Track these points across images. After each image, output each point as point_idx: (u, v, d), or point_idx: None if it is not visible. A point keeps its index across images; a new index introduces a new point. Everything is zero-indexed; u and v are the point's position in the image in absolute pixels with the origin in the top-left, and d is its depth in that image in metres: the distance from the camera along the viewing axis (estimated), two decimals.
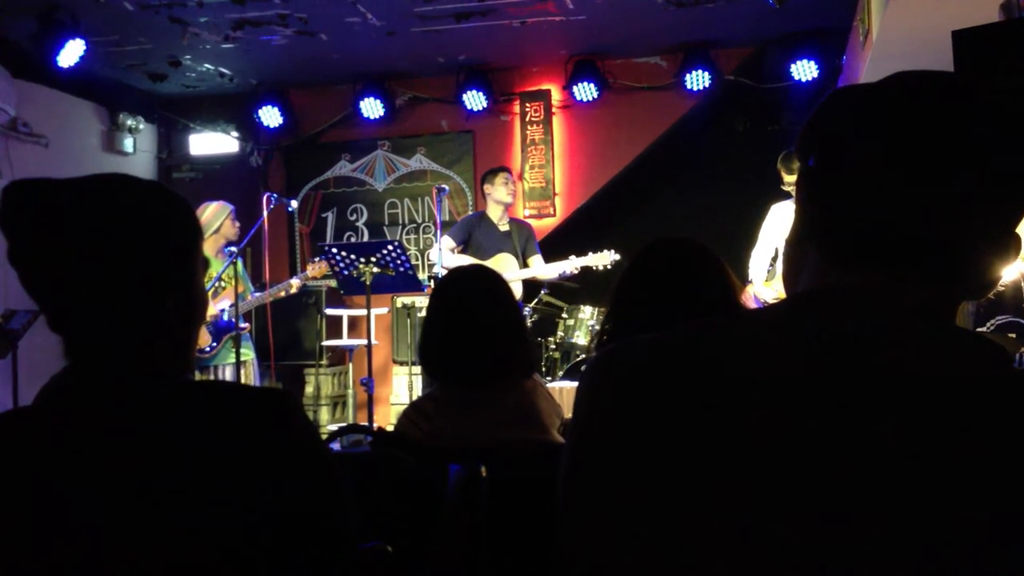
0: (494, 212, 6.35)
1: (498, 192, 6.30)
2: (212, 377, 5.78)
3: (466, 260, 5.94)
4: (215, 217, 5.82)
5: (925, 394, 0.82)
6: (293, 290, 6.03)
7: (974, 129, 0.88)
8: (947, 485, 0.78)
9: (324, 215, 8.10)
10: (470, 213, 7.11)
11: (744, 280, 5.48)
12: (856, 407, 0.82)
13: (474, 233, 6.33)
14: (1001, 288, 3.41)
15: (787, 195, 5.34)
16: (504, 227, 6.35)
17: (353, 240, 7.92)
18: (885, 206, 0.88)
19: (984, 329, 3.55)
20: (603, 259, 6.14)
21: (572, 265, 6.16)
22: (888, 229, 0.89)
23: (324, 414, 7.30)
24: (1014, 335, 3.46)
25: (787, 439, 0.82)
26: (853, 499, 0.78)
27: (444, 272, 5.81)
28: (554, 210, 7.69)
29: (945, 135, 0.88)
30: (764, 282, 5.55)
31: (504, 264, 6.11)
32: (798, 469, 0.81)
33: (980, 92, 0.91)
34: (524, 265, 6.35)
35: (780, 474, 0.81)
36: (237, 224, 5.85)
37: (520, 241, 6.33)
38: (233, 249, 5.69)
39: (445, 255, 6.08)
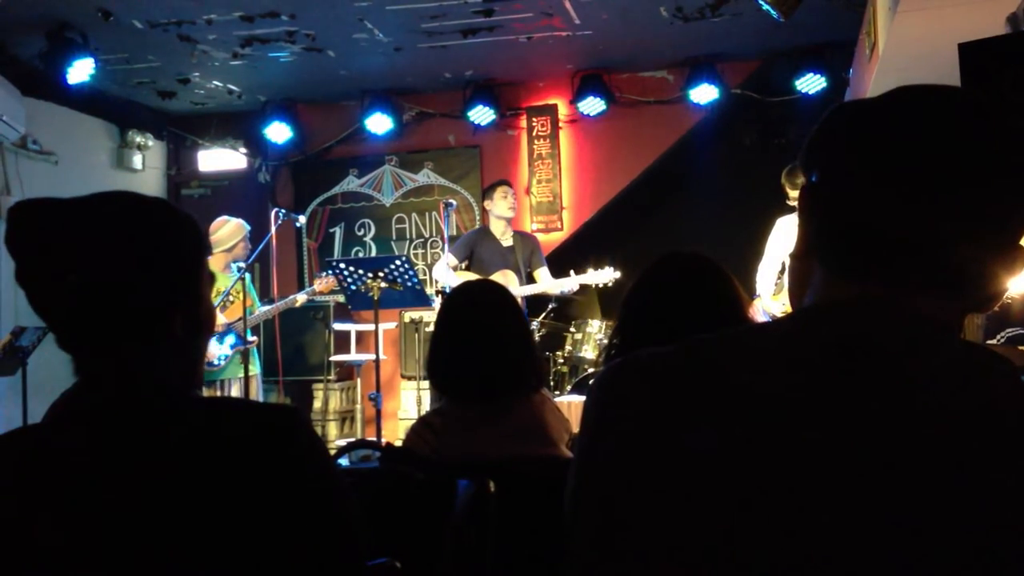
0: (496, 227, 6.35)
1: (498, 207, 6.29)
2: (219, 392, 5.80)
3: (466, 278, 5.93)
4: (231, 236, 5.85)
5: (933, 406, 0.82)
6: (298, 304, 6.04)
7: (973, 141, 0.88)
8: (954, 498, 0.77)
9: (332, 230, 8.12)
10: (471, 229, 7.11)
11: (752, 294, 5.47)
12: (863, 420, 0.82)
13: (476, 249, 6.32)
14: (1008, 300, 3.40)
15: (793, 209, 5.33)
16: (507, 242, 6.33)
17: (361, 255, 7.93)
18: (885, 220, 0.88)
19: (994, 341, 3.54)
20: (603, 277, 6.13)
21: (572, 283, 6.15)
22: (889, 242, 0.89)
23: (332, 429, 7.30)
24: None
25: (794, 452, 0.82)
26: (860, 511, 0.78)
27: (448, 288, 5.82)
28: (561, 224, 7.69)
29: (944, 149, 0.88)
30: (772, 296, 5.54)
31: (505, 281, 6.09)
32: (805, 482, 0.80)
33: (980, 105, 0.91)
34: (530, 277, 6.34)
35: (788, 487, 0.81)
36: (249, 247, 5.87)
37: (524, 254, 6.32)
38: (241, 264, 5.71)
39: (444, 273, 6.09)
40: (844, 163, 0.93)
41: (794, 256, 1.00)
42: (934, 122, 0.89)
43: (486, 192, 6.46)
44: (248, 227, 5.94)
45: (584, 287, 6.20)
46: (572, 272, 6.19)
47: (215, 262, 5.74)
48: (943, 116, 0.90)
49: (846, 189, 0.92)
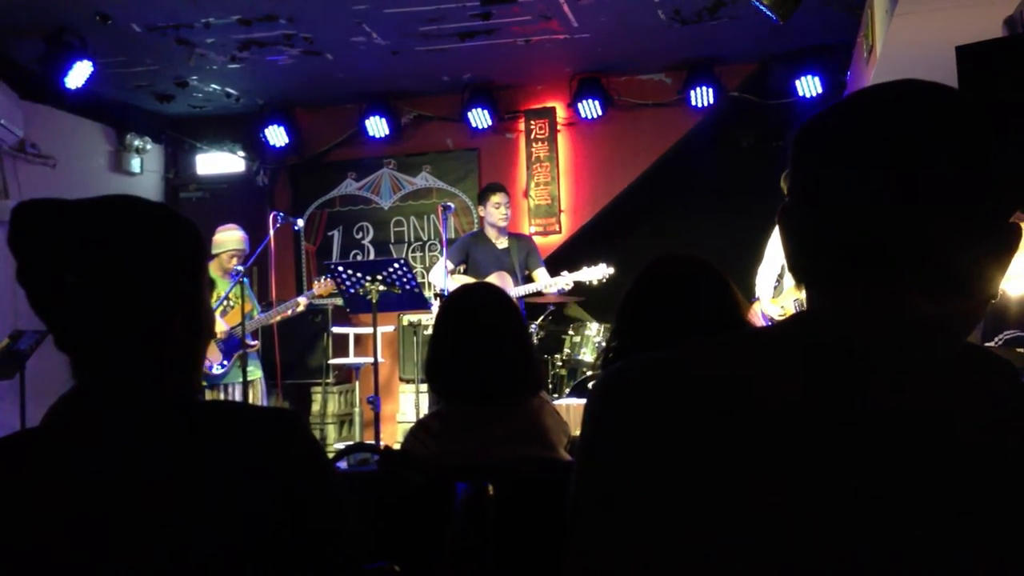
0: (491, 230, 6.36)
1: (491, 216, 6.31)
2: (221, 396, 5.80)
3: (462, 282, 5.94)
4: (221, 244, 5.87)
5: (931, 407, 0.82)
6: (300, 308, 6.05)
7: (932, 133, 0.86)
8: (954, 497, 0.77)
9: (330, 233, 8.12)
10: (466, 232, 7.11)
11: (750, 297, 5.47)
12: (862, 421, 0.82)
13: (471, 252, 6.33)
14: (1001, 294, 3.39)
15: None
16: (502, 244, 6.34)
17: (359, 258, 7.93)
18: (860, 227, 0.87)
19: (992, 344, 3.54)
20: (597, 273, 6.12)
21: (565, 281, 6.15)
22: (869, 248, 0.87)
23: (331, 432, 7.29)
24: (1022, 350, 3.45)
25: (790, 457, 0.82)
26: (859, 512, 0.78)
27: (446, 291, 5.83)
28: (560, 227, 7.69)
29: (908, 147, 0.86)
30: (771, 299, 5.53)
31: (501, 283, 6.09)
32: (801, 487, 0.80)
33: (939, 96, 0.90)
34: (528, 279, 6.34)
35: (787, 488, 0.81)
36: (234, 260, 5.86)
37: (520, 256, 6.32)
38: (240, 268, 5.72)
39: (441, 277, 6.10)
40: (813, 177, 0.92)
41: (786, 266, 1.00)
42: (899, 122, 0.88)
43: (480, 196, 6.47)
44: (247, 246, 5.95)
45: (579, 285, 6.20)
46: (566, 272, 6.20)
47: (211, 267, 5.75)
48: (908, 114, 0.88)
49: (817, 202, 0.91)
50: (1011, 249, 0.88)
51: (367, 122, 7.67)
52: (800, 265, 0.95)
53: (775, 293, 5.55)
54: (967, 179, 0.86)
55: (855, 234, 0.88)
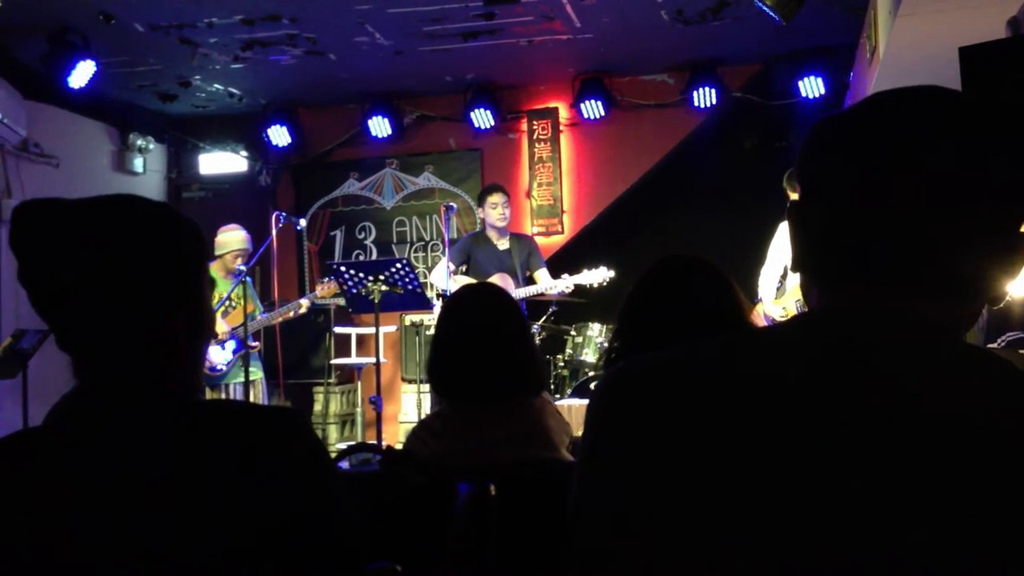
0: (492, 231, 6.36)
1: (488, 217, 6.33)
2: (222, 395, 5.80)
3: (463, 283, 5.94)
4: (224, 245, 5.87)
5: (933, 407, 0.81)
6: (302, 310, 6.05)
7: (951, 140, 0.87)
8: (954, 497, 0.77)
9: (333, 233, 8.12)
10: (467, 233, 7.12)
11: (753, 298, 5.46)
12: (864, 420, 0.82)
13: (472, 254, 6.34)
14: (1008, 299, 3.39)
15: None
16: (503, 245, 6.34)
17: (361, 258, 7.93)
18: (870, 227, 0.88)
19: (994, 345, 3.53)
20: (597, 276, 6.11)
21: (565, 284, 6.15)
22: (877, 248, 0.88)
23: (333, 432, 7.29)
24: None
25: (791, 458, 0.82)
26: (861, 511, 0.78)
27: (448, 292, 5.83)
28: (562, 227, 7.70)
29: (921, 150, 0.86)
30: (773, 300, 5.53)
31: (503, 284, 6.08)
32: (802, 488, 0.80)
33: (957, 102, 0.90)
34: (530, 279, 6.34)
35: (785, 493, 0.81)
36: (238, 260, 5.87)
37: (521, 257, 6.32)
38: (242, 268, 5.72)
39: (442, 278, 6.10)
40: (822, 175, 0.93)
41: (792, 268, 1.00)
42: (907, 124, 0.88)
43: (479, 198, 6.48)
44: (250, 246, 5.95)
45: (579, 287, 6.20)
46: (567, 275, 6.20)
47: (213, 267, 5.75)
48: (916, 117, 0.89)
49: (825, 200, 0.92)
50: (1017, 251, 0.88)
51: (370, 122, 7.68)
52: (806, 262, 0.95)
53: (777, 294, 5.55)
54: (971, 182, 0.86)
55: (860, 234, 0.88)
